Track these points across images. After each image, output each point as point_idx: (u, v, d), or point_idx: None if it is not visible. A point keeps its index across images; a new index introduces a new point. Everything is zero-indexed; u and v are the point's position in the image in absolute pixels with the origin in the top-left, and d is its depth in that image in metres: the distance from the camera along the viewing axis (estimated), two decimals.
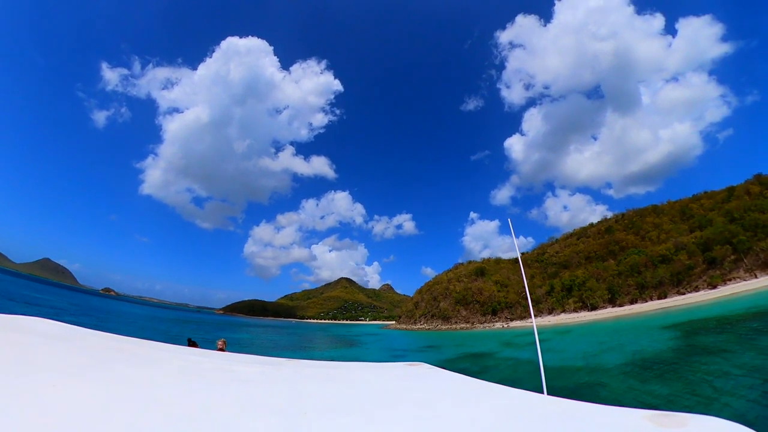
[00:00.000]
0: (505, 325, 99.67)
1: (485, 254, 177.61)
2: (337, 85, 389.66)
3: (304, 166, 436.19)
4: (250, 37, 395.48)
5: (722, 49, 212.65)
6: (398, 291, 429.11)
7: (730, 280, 78.66)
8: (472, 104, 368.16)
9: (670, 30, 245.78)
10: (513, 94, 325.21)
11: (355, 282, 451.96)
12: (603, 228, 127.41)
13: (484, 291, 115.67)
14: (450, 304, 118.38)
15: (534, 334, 6.08)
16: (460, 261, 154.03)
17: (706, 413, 1.78)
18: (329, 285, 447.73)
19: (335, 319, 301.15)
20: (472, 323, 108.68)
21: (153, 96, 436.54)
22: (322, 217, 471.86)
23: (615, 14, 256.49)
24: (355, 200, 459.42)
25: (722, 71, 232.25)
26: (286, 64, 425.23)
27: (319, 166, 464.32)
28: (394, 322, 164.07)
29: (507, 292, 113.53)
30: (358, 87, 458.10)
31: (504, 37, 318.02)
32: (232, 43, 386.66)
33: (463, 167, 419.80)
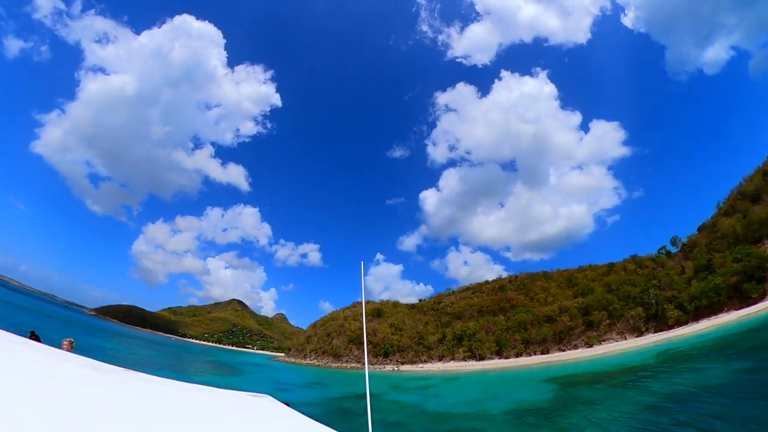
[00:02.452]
0: (396, 368, 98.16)
1: (385, 296, 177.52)
2: (276, 99, 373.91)
3: (218, 171, 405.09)
4: (206, 21, 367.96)
5: (622, 151, 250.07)
6: (292, 322, 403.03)
7: (604, 340, 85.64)
8: (398, 152, 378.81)
9: (584, 127, 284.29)
10: (437, 152, 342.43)
11: (247, 306, 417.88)
12: (497, 286, 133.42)
13: (378, 332, 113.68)
14: (343, 342, 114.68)
15: (366, 382, 5.89)
16: (358, 299, 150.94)
17: None
18: (219, 305, 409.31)
19: (220, 343, 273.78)
20: (363, 363, 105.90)
21: (82, 46, 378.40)
22: (225, 230, 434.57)
23: (543, 104, 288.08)
24: (263, 219, 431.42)
25: (619, 168, 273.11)
26: (232, 62, 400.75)
27: (235, 175, 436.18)
28: (283, 354, 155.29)
29: (401, 335, 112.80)
30: (296, 107, 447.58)
31: (442, 98, 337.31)
32: (185, 21, 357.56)
33: (378, 209, 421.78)
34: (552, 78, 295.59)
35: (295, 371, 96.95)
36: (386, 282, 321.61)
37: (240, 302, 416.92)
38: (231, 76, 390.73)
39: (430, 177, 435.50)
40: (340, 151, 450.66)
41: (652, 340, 74.93)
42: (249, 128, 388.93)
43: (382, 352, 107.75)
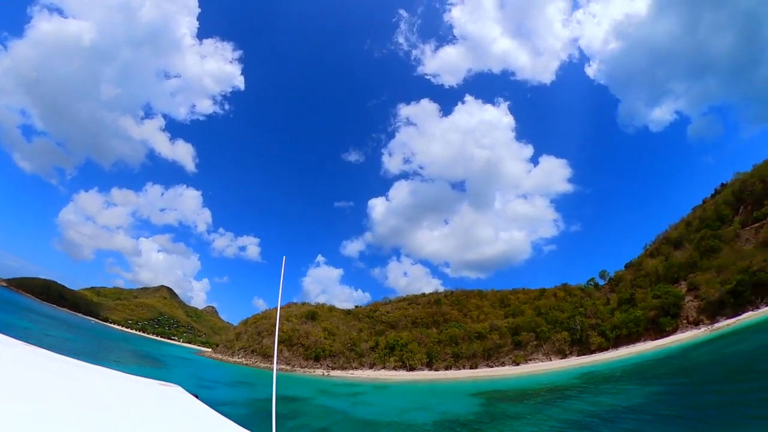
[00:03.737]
0: (326, 373, 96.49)
1: (321, 299, 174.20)
2: (239, 82, 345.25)
3: (166, 146, 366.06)
4: None
5: (566, 187, 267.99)
6: (223, 316, 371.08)
7: (530, 360, 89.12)
8: (353, 156, 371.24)
9: (534, 160, 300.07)
10: (392, 162, 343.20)
11: (177, 295, 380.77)
12: (433, 299, 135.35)
13: (311, 335, 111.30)
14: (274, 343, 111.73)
15: (273, 380, 5.82)
16: (294, 300, 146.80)
17: None
18: (147, 290, 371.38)
19: (144, 332, 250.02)
20: (293, 366, 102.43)
21: None
22: (163, 210, 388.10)
23: (500, 133, 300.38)
24: (205, 204, 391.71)
25: (560, 203, 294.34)
26: (202, 34, 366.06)
27: (183, 153, 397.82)
28: (210, 349, 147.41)
29: (333, 340, 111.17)
30: (258, 93, 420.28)
31: (405, 111, 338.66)
32: None
33: (325, 211, 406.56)
34: (512, 110, 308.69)
35: (222, 368, 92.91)
36: (324, 285, 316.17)
37: (169, 290, 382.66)
38: (197, 48, 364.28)
39: (382, 185, 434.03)
40: (294, 146, 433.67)
41: (575, 362, 79.32)
42: (205, 106, 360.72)
43: (313, 355, 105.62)
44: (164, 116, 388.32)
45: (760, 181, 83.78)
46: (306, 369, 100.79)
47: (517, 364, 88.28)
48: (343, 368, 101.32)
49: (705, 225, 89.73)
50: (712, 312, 69.86)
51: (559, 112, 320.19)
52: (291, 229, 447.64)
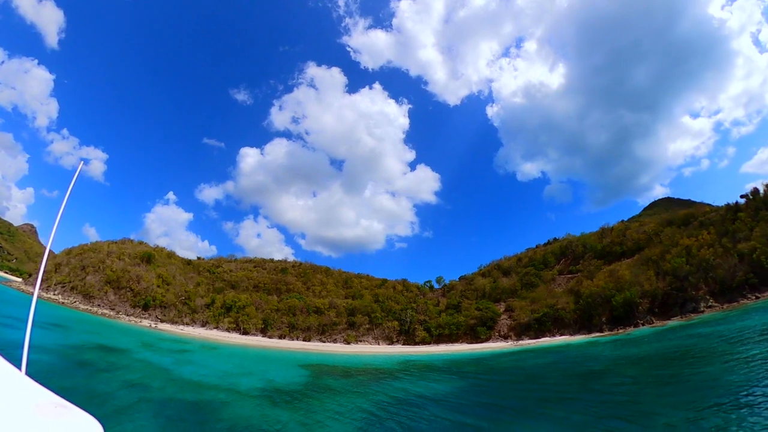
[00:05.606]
0: (154, 325, 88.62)
1: (162, 242, 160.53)
2: None
3: (29, 2, 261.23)
4: None
5: (431, 198, 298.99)
6: (42, 240, 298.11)
7: (361, 341, 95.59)
8: (242, 96, 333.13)
9: (412, 165, 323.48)
10: (279, 117, 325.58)
11: None
12: (280, 267, 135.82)
13: (143, 280, 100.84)
14: (99, 282, 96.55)
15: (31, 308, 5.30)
16: (132, 237, 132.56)
17: None
18: None
19: None
20: (118, 312, 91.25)
21: None
22: None
23: (392, 130, 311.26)
24: (54, 94, 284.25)
25: (422, 209, 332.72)
26: None
27: (48, 19, 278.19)
28: (21, 279, 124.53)
29: (167, 290, 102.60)
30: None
31: (312, 71, 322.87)
32: None
33: (191, 144, 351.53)
34: (411, 114, 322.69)
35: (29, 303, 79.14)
36: (169, 227, 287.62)
37: None
38: None
39: (261, 137, 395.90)
40: (182, 60, 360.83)
41: (400, 350, 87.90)
42: None
43: (142, 303, 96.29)
44: None
45: (582, 246, 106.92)
46: (132, 318, 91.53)
47: (348, 343, 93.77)
48: (173, 322, 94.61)
49: (531, 264, 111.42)
50: (520, 331, 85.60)
51: (450, 133, 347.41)
52: (147, 153, 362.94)
